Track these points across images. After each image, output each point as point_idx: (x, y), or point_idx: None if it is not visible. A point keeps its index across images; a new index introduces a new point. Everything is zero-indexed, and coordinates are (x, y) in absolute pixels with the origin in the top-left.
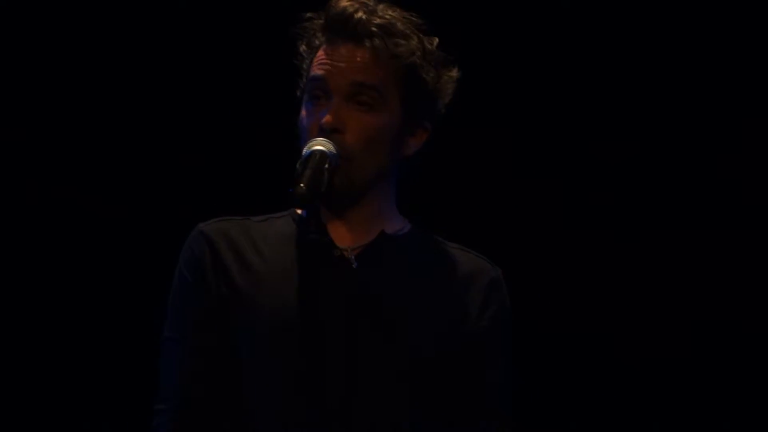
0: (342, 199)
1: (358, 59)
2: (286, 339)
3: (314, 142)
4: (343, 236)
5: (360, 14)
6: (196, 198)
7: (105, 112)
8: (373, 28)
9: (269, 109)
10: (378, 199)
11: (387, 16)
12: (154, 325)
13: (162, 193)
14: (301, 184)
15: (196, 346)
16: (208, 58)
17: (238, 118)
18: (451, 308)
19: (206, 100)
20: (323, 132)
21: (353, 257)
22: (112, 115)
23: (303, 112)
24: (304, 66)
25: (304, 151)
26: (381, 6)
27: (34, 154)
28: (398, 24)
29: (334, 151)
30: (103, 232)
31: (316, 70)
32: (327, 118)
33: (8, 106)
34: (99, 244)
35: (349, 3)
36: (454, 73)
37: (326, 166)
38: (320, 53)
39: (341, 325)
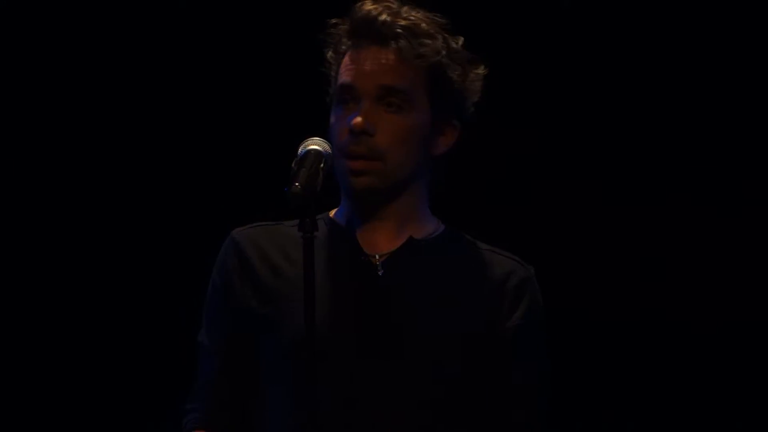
0: (373, 199)
1: (384, 62)
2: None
3: (309, 142)
4: (373, 242)
5: (384, 16)
6: (188, 203)
7: (117, 113)
8: (398, 30)
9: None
10: (409, 202)
11: (411, 18)
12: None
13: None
14: (296, 183)
15: (222, 354)
16: (221, 60)
17: (254, 120)
18: (478, 314)
19: (222, 102)
20: (353, 135)
21: (380, 264)
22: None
23: (332, 118)
24: (333, 73)
25: (300, 150)
26: (405, 8)
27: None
28: (423, 24)
29: (330, 151)
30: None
31: (344, 76)
32: (357, 120)
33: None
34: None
35: (373, 6)
36: (481, 70)
37: (321, 165)
38: (347, 59)
39: (365, 335)
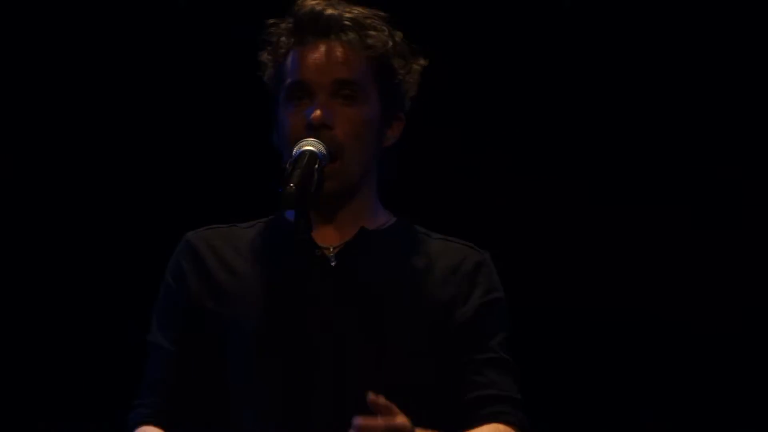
0: (334, 199)
1: (335, 55)
2: (269, 343)
3: (304, 143)
4: (326, 234)
5: (330, 11)
6: (188, 203)
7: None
8: (346, 22)
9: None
10: (362, 195)
11: (355, 11)
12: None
13: (152, 198)
14: (291, 184)
15: (175, 353)
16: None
17: (226, 122)
18: (435, 299)
19: (195, 104)
20: (311, 129)
21: (333, 255)
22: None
23: (284, 115)
24: (271, 72)
25: (294, 151)
26: (342, 4)
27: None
28: (367, 18)
29: (324, 152)
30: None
31: (295, 74)
32: (316, 114)
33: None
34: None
35: (315, 2)
36: (422, 62)
37: (316, 166)
38: (294, 56)
39: (323, 325)
